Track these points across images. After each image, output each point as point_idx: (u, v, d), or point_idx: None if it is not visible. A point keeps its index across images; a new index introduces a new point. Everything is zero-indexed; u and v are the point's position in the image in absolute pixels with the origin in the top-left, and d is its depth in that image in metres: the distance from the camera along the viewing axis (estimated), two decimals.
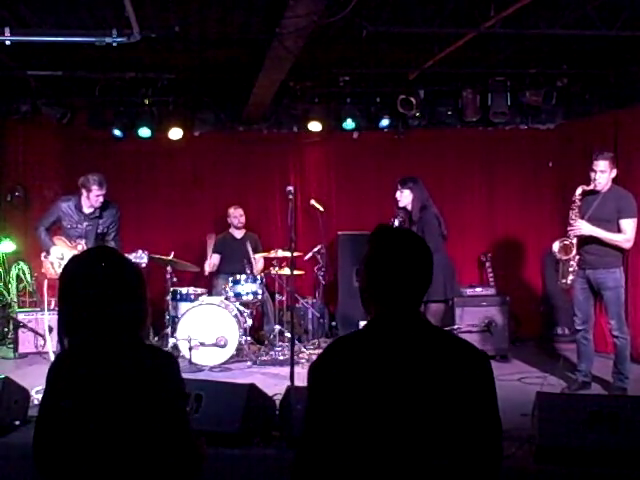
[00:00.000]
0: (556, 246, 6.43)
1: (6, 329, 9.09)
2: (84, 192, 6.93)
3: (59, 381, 2.33)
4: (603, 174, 6.24)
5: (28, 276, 9.04)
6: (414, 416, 2.10)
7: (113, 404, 2.22)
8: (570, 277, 6.38)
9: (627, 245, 6.25)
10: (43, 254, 7.01)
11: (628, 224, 6.20)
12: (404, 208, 6.91)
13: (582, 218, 6.32)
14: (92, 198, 6.91)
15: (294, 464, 2.22)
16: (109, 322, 2.32)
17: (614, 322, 6.32)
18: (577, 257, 6.37)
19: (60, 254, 6.90)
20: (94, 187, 6.87)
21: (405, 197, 6.91)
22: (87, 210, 7.00)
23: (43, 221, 7.03)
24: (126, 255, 6.87)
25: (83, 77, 8.25)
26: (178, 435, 2.31)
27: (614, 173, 6.29)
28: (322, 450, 2.18)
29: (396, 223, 6.86)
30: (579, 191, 6.37)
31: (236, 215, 8.95)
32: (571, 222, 6.35)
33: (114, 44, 6.02)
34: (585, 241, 6.33)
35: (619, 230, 6.22)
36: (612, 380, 6.44)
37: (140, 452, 2.22)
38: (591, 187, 6.30)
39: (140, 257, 7.03)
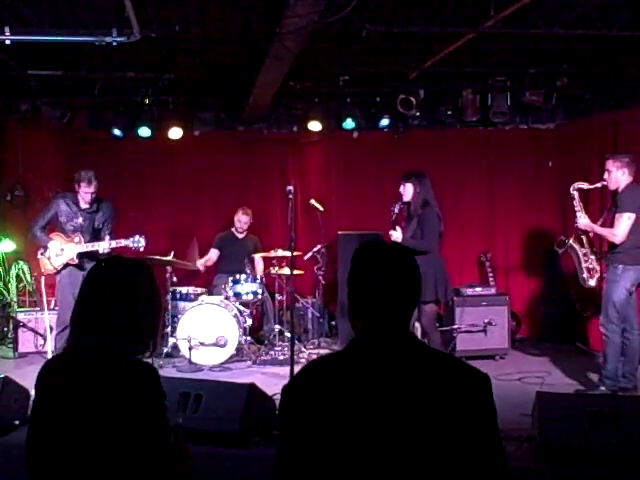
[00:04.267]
0: (567, 242, 6.52)
1: (6, 329, 9.09)
2: (76, 187, 6.99)
3: (46, 383, 2.36)
4: (609, 174, 6.32)
5: (28, 276, 9.03)
6: (398, 446, 1.88)
7: (88, 415, 2.22)
8: (595, 277, 6.45)
9: (614, 239, 6.21)
10: (40, 251, 7.02)
11: (617, 218, 6.22)
12: (408, 203, 6.88)
13: (600, 219, 6.44)
14: (82, 194, 6.96)
15: None
16: (91, 338, 2.32)
17: (601, 316, 6.34)
18: (594, 256, 6.45)
19: (58, 248, 6.92)
20: (83, 184, 6.92)
21: (407, 191, 6.91)
22: (84, 205, 7.03)
23: (39, 220, 7.06)
24: (124, 240, 6.91)
25: (83, 77, 8.24)
26: (157, 447, 2.29)
27: (623, 173, 6.27)
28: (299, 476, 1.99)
29: (396, 210, 6.85)
30: (576, 186, 6.53)
31: (246, 221, 8.92)
32: (577, 216, 6.49)
33: (114, 43, 6.03)
34: (607, 242, 6.42)
35: None
36: (598, 382, 6.42)
37: (121, 465, 2.22)
38: (597, 185, 6.45)
39: (137, 241, 7.06)
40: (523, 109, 9.34)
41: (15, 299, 9.10)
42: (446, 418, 1.88)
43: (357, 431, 1.90)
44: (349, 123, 9.17)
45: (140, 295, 2.37)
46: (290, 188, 6.80)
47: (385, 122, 9.25)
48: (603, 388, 6.23)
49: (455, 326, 8.08)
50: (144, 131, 8.97)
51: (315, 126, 9.23)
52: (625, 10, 6.07)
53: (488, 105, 9.14)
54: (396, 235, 6.79)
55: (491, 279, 8.87)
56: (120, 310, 2.32)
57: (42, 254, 7.02)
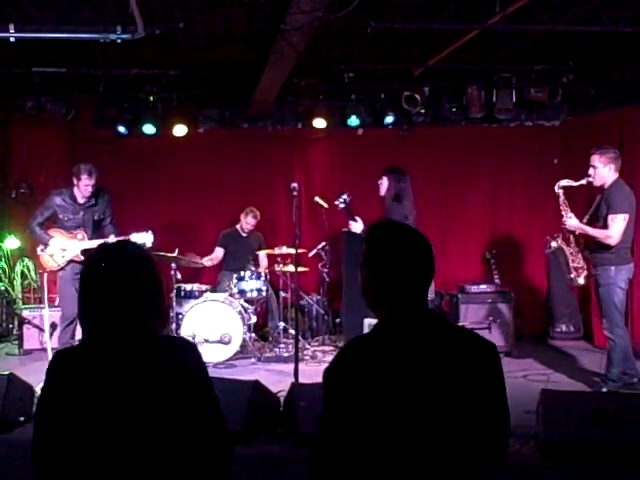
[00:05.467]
0: (554, 243, 6.44)
1: (11, 325, 9.11)
2: (75, 181, 6.96)
3: (61, 377, 2.29)
4: (595, 170, 6.22)
5: (33, 272, 9.05)
6: (433, 414, 2.12)
7: (132, 399, 2.20)
8: (582, 275, 6.38)
9: (609, 241, 6.09)
10: (40, 248, 7.02)
11: (612, 219, 6.10)
12: (383, 197, 7.01)
13: (585, 217, 6.34)
14: (82, 187, 6.93)
15: (310, 469, 2.20)
16: (124, 317, 2.28)
17: (605, 321, 6.26)
18: (583, 254, 6.38)
19: (61, 245, 6.91)
20: (83, 176, 6.89)
21: (383, 185, 7.06)
22: (81, 200, 7.01)
23: (37, 217, 7.04)
24: (131, 236, 6.90)
25: (87, 74, 8.24)
26: (211, 418, 2.29)
27: (609, 169, 6.19)
28: (340, 453, 2.17)
29: (340, 203, 6.90)
30: (561, 183, 6.43)
31: (250, 223, 8.94)
32: (562, 216, 6.39)
33: (118, 41, 6.03)
34: (593, 241, 6.32)
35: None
36: (600, 382, 6.37)
37: (161, 448, 2.19)
38: (582, 182, 6.32)
39: (145, 237, 7.04)
40: (528, 106, 9.31)
41: (20, 296, 9.12)
42: (466, 380, 2.16)
43: (394, 401, 2.13)
44: (354, 120, 9.16)
45: (147, 270, 2.37)
46: (294, 185, 6.82)
47: (390, 119, 9.23)
48: (605, 390, 6.20)
49: (459, 323, 8.06)
50: (148, 128, 8.98)
51: (320, 123, 9.22)
52: (631, 6, 6.04)
53: (493, 102, 9.11)
54: (355, 226, 6.86)
55: (496, 276, 8.86)
56: (137, 289, 2.31)
57: (42, 250, 7.02)
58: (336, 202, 7.01)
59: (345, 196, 7.02)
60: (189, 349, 2.35)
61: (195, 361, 2.33)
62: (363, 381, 2.15)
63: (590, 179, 6.27)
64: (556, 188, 6.45)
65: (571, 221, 6.33)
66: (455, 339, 2.24)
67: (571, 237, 6.42)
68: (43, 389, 2.34)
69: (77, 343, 2.44)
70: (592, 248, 6.34)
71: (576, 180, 6.38)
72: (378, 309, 2.27)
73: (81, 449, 2.20)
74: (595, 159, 6.22)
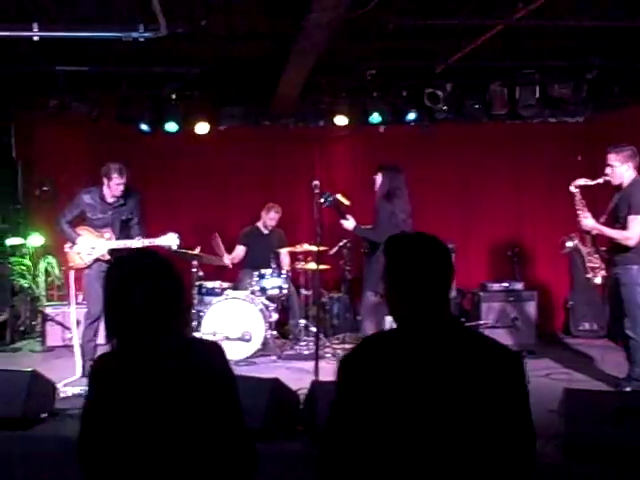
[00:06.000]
0: (570, 243, 6.39)
1: (34, 322, 9.19)
2: (105, 181, 6.97)
3: (108, 382, 2.34)
4: (612, 168, 6.13)
5: (56, 270, 9.11)
6: (445, 418, 2.08)
7: (170, 403, 2.25)
8: (599, 275, 6.31)
9: (628, 242, 6.00)
10: (68, 245, 7.05)
11: (632, 220, 5.99)
12: (329, 196, 7.10)
13: (603, 216, 6.27)
14: (113, 186, 6.94)
15: (319, 458, 2.23)
16: (156, 325, 2.34)
17: (627, 320, 6.15)
18: (600, 253, 6.32)
19: (89, 244, 6.94)
20: (114, 175, 6.90)
21: (377, 182, 7.12)
22: (111, 199, 7.04)
23: (66, 215, 7.06)
24: (158, 239, 6.92)
25: (110, 72, 8.28)
26: (235, 427, 2.34)
27: (627, 167, 6.10)
28: (347, 446, 2.16)
29: (322, 199, 6.96)
30: (577, 183, 6.34)
31: (273, 218, 8.94)
32: (578, 216, 6.32)
33: (141, 39, 6.05)
34: (609, 239, 6.25)
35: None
36: (622, 382, 6.28)
37: (197, 450, 2.24)
38: (599, 181, 6.23)
39: (172, 240, 7.05)
40: (552, 102, 9.21)
41: (44, 293, 9.18)
42: (485, 391, 2.10)
43: (405, 399, 2.10)
44: (376, 117, 9.13)
45: (171, 273, 2.42)
46: (316, 183, 6.86)
47: (412, 116, 9.19)
48: (628, 389, 6.13)
49: (482, 321, 8.02)
50: (171, 126, 9.01)
51: (341, 120, 9.20)
52: None
53: (516, 98, 9.03)
54: (347, 224, 7.02)
55: (518, 274, 8.79)
56: (167, 297, 2.37)
57: (70, 248, 7.06)
58: (321, 200, 7.03)
59: (328, 195, 7.05)
60: (219, 352, 2.43)
61: (224, 363, 2.41)
62: (376, 375, 2.14)
63: (607, 178, 6.18)
64: (572, 187, 6.36)
65: (587, 221, 6.27)
66: (477, 347, 2.20)
67: (587, 237, 6.36)
68: (88, 392, 2.41)
69: (109, 348, 2.49)
70: (611, 248, 6.27)
71: (593, 179, 6.30)
72: (398, 315, 2.27)
73: (124, 450, 2.26)
74: (612, 158, 6.13)
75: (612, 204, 6.25)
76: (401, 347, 2.18)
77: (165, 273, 2.41)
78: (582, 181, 6.35)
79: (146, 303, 2.33)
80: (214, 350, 2.42)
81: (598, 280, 6.38)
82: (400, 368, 2.14)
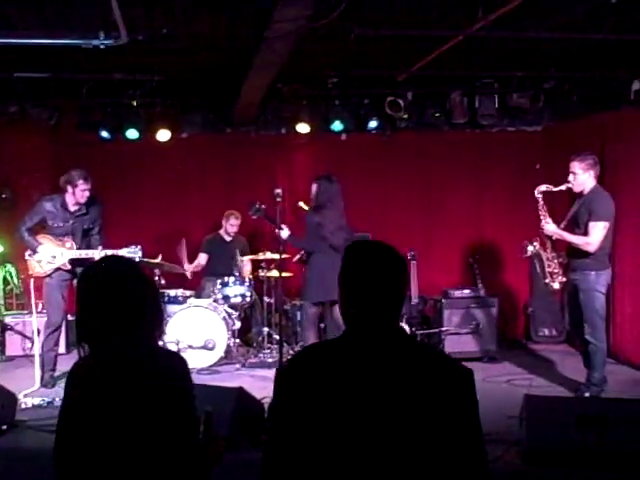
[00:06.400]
0: (531, 247, 6.49)
1: None
2: (69, 189, 6.91)
3: (78, 387, 2.38)
4: (574, 175, 6.28)
5: (15, 278, 8.98)
6: (387, 432, 2.00)
7: (133, 410, 2.28)
8: (557, 280, 6.41)
9: (589, 248, 6.14)
10: (27, 253, 6.96)
11: (592, 227, 6.15)
12: (261, 206, 7.21)
13: (563, 222, 6.40)
14: (78, 194, 6.89)
15: (261, 472, 2.18)
16: (126, 331, 2.37)
17: (586, 326, 6.27)
18: (559, 259, 6.43)
19: (50, 253, 6.87)
20: (80, 182, 6.86)
21: (313, 191, 7.21)
22: (73, 208, 6.98)
23: (26, 222, 6.98)
24: (120, 251, 6.90)
25: (71, 79, 8.20)
26: (190, 437, 2.35)
27: (589, 175, 6.26)
28: (286, 460, 2.11)
29: (253, 210, 7.12)
30: (541, 189, 6.47)
31: (234, 224, 8.93)
32: (541, 221, 6.44)
33: (101, 47, 6.01)
34: (569, 246, 6.37)
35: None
36: (581, 387, 6.40)
37: (155, 457, 2.27)
38: (561, 188, 6.38)
39: (134, 252, 7.04)
40: (511, 111, 9.36)
41: (2, 302, 9.04)
42: (431, 409, 2.01)
43: (344, 411, 2.02)
44: (337, 125, 9.18)
45: (143, 280, 2.46)
46: (278, 191, 6.89)
47: (373, 124, 9.25)
48: (587, 394, 6.23)
49: (444, 328, 8.10)
50: (132, 133, 8.95)
51: (303, 128, 9.23)
52: (612, 15, 6.10)
53: (476, 107, 9.16)
54: (282, 234, 7.09)
55: (479, 281, 8.89)
56: (135, 302, 2.39)
57: (30, 256, 6.97)
58: (249, 212, 7.08)
59: (257, 205, 7.08)
60: (182, 365, 2.44)
61: (184, 378, 2.41)
62: (315, 387, 2.08)
63: (570, 185, 6.33)
64: (536, 193, 6.48)
65: (549, 226, 6.40)
66: (425, 361, 2.12)
67: (548, 242, 6.47)
68: (64, 399, 2.42)
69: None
70: (570, 253, 6.38)
71: (555, 186, 6.43)
72: (347, 321, 2.21)
73: (92, 456, 2.29)
74: (575, 165, 6.29)
75: (573, 211, 6.39)
76: (343, 357, 2.11)
77: (136, 278, 2.44)
78: (545, 187, 6.48)
79: (117, 308, 2.35)
80: (177, 362, 2.43)
81: (556, 285, 6.49)
82: (340, 379, 2.07)
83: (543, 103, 9.03)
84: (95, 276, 2.46)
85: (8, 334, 8.45)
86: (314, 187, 7.17)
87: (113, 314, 2.36)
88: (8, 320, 8.52)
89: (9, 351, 8.38)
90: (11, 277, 9.00)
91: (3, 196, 9.09)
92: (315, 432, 2.04)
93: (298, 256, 8.60)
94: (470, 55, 7.65)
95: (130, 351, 2.36)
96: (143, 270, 2.52)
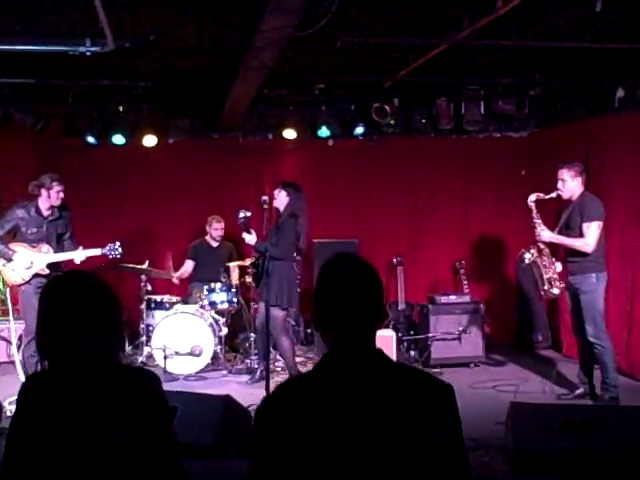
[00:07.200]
0: (529, 255, 6.52)
1: None
2: (44, 192, 6.90)
3: (33, 403, 2.30)
4: (563, 182, 6.40)
5: (0, 284, 8.92)
6: (376, 458, 1.96)
7: (96, 431, 2.21)
8: (556, 286, 6.48)
9: (586, 249, 6.25)
10: (1, 263, 6.92)
11: (587, 227, 6.27)
12: (277, 209, 7.24)
13: (556, 228, 6.46)
14: (53, 195, 6.89)
15: None
16: (88, 348, 2.31)
17: (590, 328, 6.33)
18: (556, 265, 6.49)
19: (27, 260, 6.82)
20: (54, 184, 6.87)
21: (281, 198, 7.24)
22: (46, 212, 6.96)
23: None
24: (99, 249, 6.89)
25: (57, 84, 8.18)
26: (167, 458, 2.30)
27: (577, 182, 6.39)
28: None
29: (240, 215, 7.13)
30: (532, 197, 6.56)
31: (217, 228, 8.90)
32: (535, 229, 6.50)
33: (88, 53, 6.00)
34: (566, 250, 6.44)
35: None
36: (600, 392, 6.44)
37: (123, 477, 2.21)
38: (552, 195, 6.48)
39: (114, 250, 7.04)
40: (496, 118, 9.42)
41: None
42: (414, 428, 1.97)
43: (332, 447, 1.95)
44: (324, 131, 9.19)
45: (108, 296, 2.39)
46: (265, 198, 6.94)
47: (360, 130, 9.27)
48: (607, 397, 6.29)
49: (430, 334, 8.12)
50: (118, 139, 8.92)
51: (290, 134, 9.24)
52: (595, 22, 6.15)
53: (462, 114, 9.21)
54: (249, 238, 7.13)
55: (465, 287, 8.93)
56: (98, 315, 2.33)
57: (4, 265, 6.92)
58: (239, 216, 7.12)
59: (243, 213, 7.12)
60: (152, 381, 2.36)
61: (155, 394, 2.34)
62: (295, 424, 2.00)
63: (560, 192, 6.44)
64: (528, 202, 6.54)
65: (544, 233, 6.47)
66: (403, 380, 2.06)
67: (544, 249, 6.53)
68: (15, 412, 2.36)
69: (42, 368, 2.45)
70: (568, 258, 6.45)
71: (546, 194, 6.51)
72: (323, 337, 2.12)
73: (46, 472, 2.21)
74: (564, 173, 6.41)
75: (564, 216, 6.49)
76: (322, 388, 2.04)
77: (99, 293, 2.38)
78: (535, 196, 6.55)
79: (76, 325, 2.29)
80: (146, 379, 2.35)
81: (556, 291, 6.56)
82: (322, 413, 1.99)
83: (529, 109, 9.08)
84: (56, 289, 2.41)
85: None
86: (283, 195, 7.21)
87: (73, 328, 2.29)
88: None
89: None
90: None
91: None
92: (301, 466, 1.98)
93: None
94: (456, 62, 7.70)
95: (90, 367, 2.28)
96: (108, 286, 2.42)
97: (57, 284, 2.46)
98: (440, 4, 5.94)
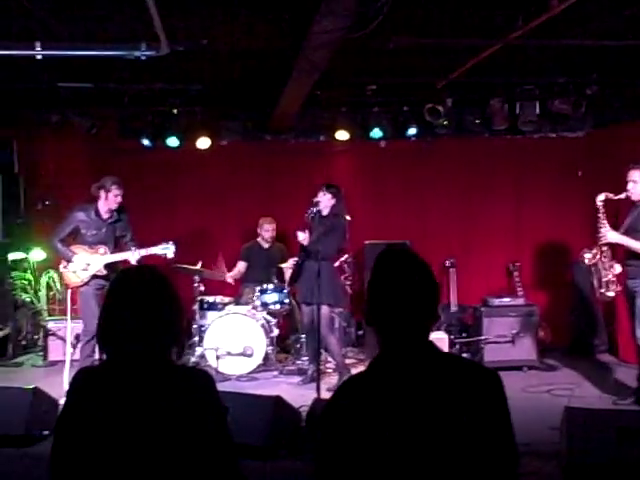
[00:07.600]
0: (589, 255, 6.41)
1: (36, 337, 9.20)
2: (102, 195, 6.99)
3: (82, 397, 2.32)
4: (634, 184, 6.25)
5: (58, 284, 9.12)
6: (437, 451, 2.00)
7: (145, 428, 2.21)
8: (612, 289, 6.36)
9: None
10: (62, 265, 7.05)
11: None
12: (319, 211, 7.18)
13: (620, 229, 6.33)
14: (111, 199, 6.98)
15: None
16: (145, 345, 2.32)
17: (639, 330, 6.20)
18: (615, 267, 6.36)
19: (84, 262, 6.94)
20: (113, 187, 6.95)
21: (326, 200, 7.21)
22: (105, 215, 7.07)
23: (59, 233, 7.06)
24: (152, 248, 6.98)
25: (112, 88, 8.32)
26: (222, 458, 2.29)
27: None
28: None
29: (311, 215, 7.12)
30: (601, 197, 6.40)
31: (268, 229, 8.94)
32: (599, 230, 6.36)
33: (143, 57, 6.09)
34: (626, 253, 6.30)
35: None
36: None
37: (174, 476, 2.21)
38: (621, 196, 6.34)
39: (167, 248, 7.09)
40: (552, 118, 9.25)
41: (45, 307, 9.21)
42: (468, 414, 2.02)
43: (394, 441, 2.00)
44: (376, 132, 9.17)
45: (168, 295, 2.42)
46: (317, 200, 6.91)
47: (412, 131, 9.23)
48: None
49: (482, 337, 8.03)
50: (172, 141, 9.05)
51: (342, 135, 9.24)
52: None
53: (517, 114, 9.08)
54: (302, 237, 7.19)
55: (519, 289, 8.80)
56: (157, 314, 2.34)
57: (65, 267, 7.05)
58: (310, 211, 7.13)
59: (315, 208, 7.14)
60: (205, 382, 2.35)
61: (209, 394, 2.34)
62: (359, 422, 2.04)
63: (629, 193, 6.30)
64: (597, 201, 6.40)
65: (610, 234, 6.32)
66: (454, 372, 2.11)
67: (606, 250, 6.40)
68: (64, 405, 2.38)
69: (97, 362, 2.47)
70: (628, 260, 6.33)
71: (616, 194, 6.37)
72: (376, 333, 2.17)
73: (94, 466, 2.23)
74: (635, 174, 6.25)
75: (630, 218, 6.35)
76: (377, 387, 2.08)
77: (160, 290, 2.40)
78: (604, 195, 6.40)
79: (133, 316, 2.31)
80: (199, 380, 2.35)
81: (611, 294, 6.44)
82: (383, 410, 2.04)
83: (585, 109, 8.90)
84: (123, 281, 2.43)
85: (51, 339, 8.57)
86: (329, 196, 7.21)
87: (133, 321, 2.31)
88: (51, 325, 8.64)
89: (52, 356, 8.50)
90: (54, 283, 9.16)
91: (46, 203, 9.25)
92: (365, 461, 2.02)
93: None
94: (510, 62, 7.61)
95: (141, 363, 2.29)
96: (172, 286, 2.45)
97: (125, 274, 2.50)
98: (493, 4, 5.87)
